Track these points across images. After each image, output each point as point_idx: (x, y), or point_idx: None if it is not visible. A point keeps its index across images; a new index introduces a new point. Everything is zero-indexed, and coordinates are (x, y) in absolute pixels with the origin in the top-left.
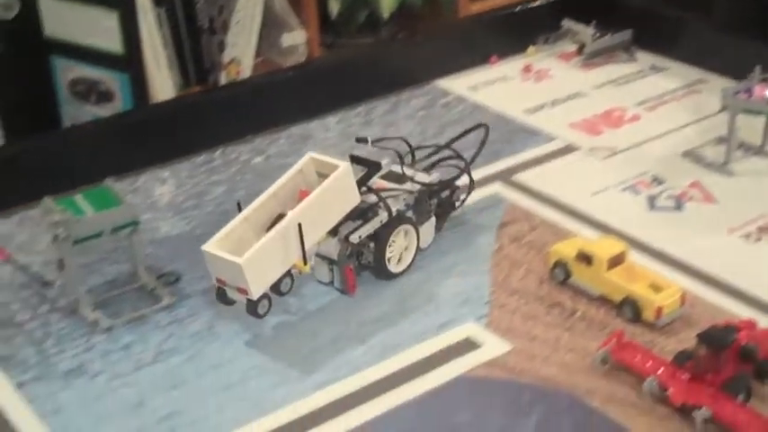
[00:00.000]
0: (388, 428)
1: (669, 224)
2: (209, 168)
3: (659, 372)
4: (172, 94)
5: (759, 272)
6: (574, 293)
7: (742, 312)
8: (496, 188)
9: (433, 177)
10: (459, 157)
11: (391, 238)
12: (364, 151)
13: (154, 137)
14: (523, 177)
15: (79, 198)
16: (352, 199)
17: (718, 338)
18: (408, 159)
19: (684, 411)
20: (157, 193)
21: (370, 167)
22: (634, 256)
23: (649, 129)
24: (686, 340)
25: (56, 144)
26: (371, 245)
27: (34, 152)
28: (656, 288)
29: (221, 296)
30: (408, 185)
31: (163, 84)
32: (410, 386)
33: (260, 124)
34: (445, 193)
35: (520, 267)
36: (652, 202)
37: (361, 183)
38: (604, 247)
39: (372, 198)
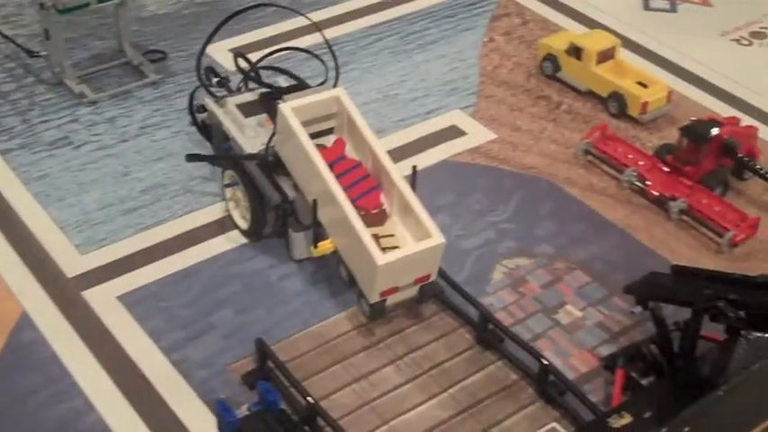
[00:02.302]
0: None
1: (662, 25)
2: None
3: (640, 164)
4: None
5: (747, 75)
6: (561, 87)
7: (726, 113)
8: None
9: None
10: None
11: None
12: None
13: None
14: None
15: None
16: None
17: (700, 131)
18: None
19: (661, 203)
20: None
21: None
22: (625, 55)
23: None
24: (669, 137)
25: None
26: None
27: None
28: (644, 84)
29: (380, 310)
30: None
31: None
32: (396, 167)
33: None
34: None
35: (509, 60)
36: (647, 2)
37: None
38: (595, 41)
39: None
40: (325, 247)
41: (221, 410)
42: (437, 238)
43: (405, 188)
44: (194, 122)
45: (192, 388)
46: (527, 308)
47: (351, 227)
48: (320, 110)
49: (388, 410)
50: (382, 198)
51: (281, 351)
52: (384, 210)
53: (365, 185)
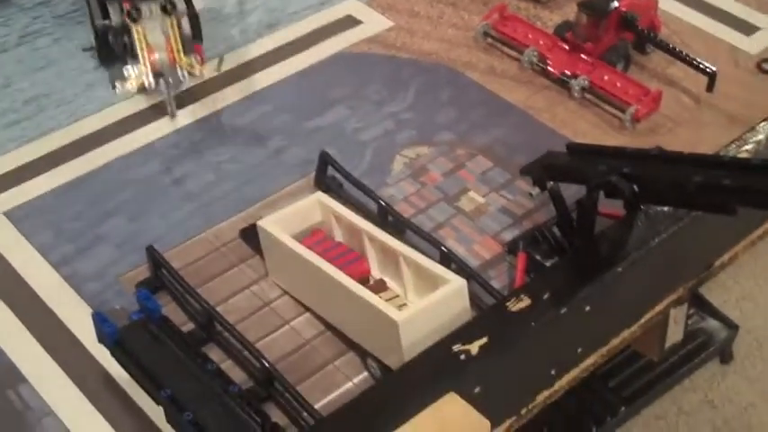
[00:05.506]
0: (270, 101)
1: None
2: None
3: (540, 43)
4: None
5: None
6: None
7: None
8: None
9: None
10: None
11: None
12: None
13: None
14: None
15: None
16: None
17: (598, 6)
18: None
19: (563, 82)
20: None
21: None
22: None
23: None
24: (570, 14)
25: None
26: None
27: None
28: None
29: None
30: None
31: None
32: (291, 61)
33: None
34: None
35: None
36: None
37: None
38: None
39: None
40: None
41: (99, 322)
42: (456, 281)
43: (405, 249)
44: None
45: (84, 301)
46: (428, 197)
47: (350, 292)
48: (301, 219)
49: (289, 310)
50: (367, 265)
51: (175, 258)
52: (373, 276)
53: (349, 257)
